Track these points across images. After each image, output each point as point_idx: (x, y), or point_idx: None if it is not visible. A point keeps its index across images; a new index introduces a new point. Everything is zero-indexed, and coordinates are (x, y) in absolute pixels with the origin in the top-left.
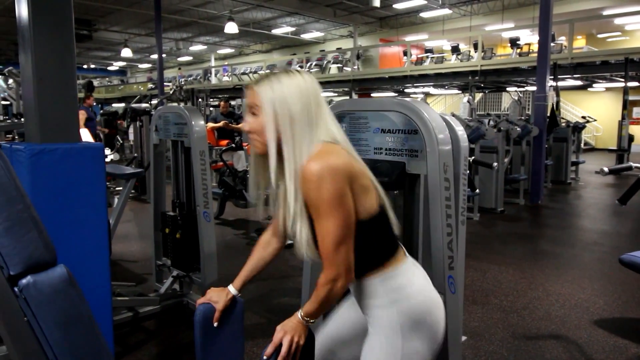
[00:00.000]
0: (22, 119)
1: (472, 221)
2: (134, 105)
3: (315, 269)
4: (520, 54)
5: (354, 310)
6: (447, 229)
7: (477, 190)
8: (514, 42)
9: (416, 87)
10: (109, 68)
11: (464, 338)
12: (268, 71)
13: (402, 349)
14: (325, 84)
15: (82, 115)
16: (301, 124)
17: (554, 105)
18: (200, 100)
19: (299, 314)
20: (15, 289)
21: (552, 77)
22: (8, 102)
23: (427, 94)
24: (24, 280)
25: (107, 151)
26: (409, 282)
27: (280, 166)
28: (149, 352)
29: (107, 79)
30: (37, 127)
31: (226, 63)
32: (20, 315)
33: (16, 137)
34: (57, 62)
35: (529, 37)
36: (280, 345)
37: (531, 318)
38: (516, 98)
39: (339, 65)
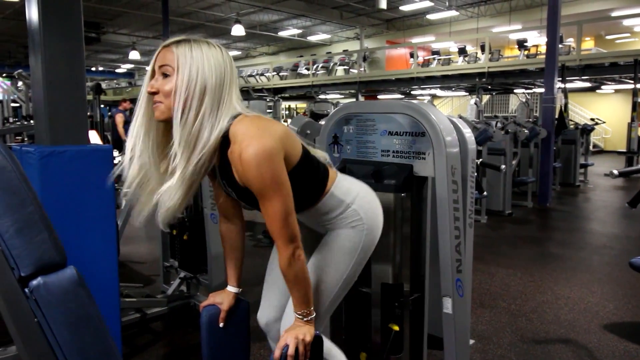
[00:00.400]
0: (32, 121)
1: (480, 224)
2: None
3: None
4: (527, 56)
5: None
6: (455, 232)
7: (485, 193)
8: (521, 44)
9: (423, 89)
10: (117, 70)
11: (472, 342)
12: (185, 36)
13: (364, 240)
14: (332, 86)
15: (120, 118)
16: (211, 97)
17: (562, 107)
18: None
19: (294, 315)
20: (26, 290)
21: (560, 78)
22: (18, 105)
23: (433, 96)
24: (34, 282)
25: (115, 153)
26: (351, 185)
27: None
28: (156, 353)
29: (115, 81)
30: (46, 129)
31: None
32: (31, 316)
33: (26, 139)
34: (67, 65)
35: (537, 39)
36: (287, 347)
37: (540, 322)
38: (524, 100)
39: (346, 67)
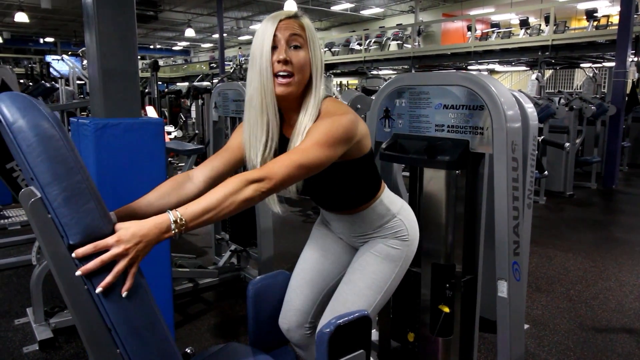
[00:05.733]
0: None
1: (538, 205)
2: (196, 83)
3: None
4: (597, 27)
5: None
6: (514, 213)
7: (546, 172)
8: (590, 14)
9: (480, 64)
10: (174, 48)
11: (526, 326)
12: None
13: (407, 251)
14: (384, 62)
15: None
16: (322, 68)
17: (635, 82)
18: None
19: (170, 214)
20: (75, 259)
21: (633, 51)
22: (82, 82)
23: (492, 71)
24: None
25: (171, 128)
26: (395, 198)
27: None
28: (207, 322)
29: (172, 58)
30: (101, 102)
31: None
32: (81, 284)
33: (90, 114)
34: (119, 39)
35: (608, 9)
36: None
37: (601, 309)
38: (591, 75)
39: (399, 42)
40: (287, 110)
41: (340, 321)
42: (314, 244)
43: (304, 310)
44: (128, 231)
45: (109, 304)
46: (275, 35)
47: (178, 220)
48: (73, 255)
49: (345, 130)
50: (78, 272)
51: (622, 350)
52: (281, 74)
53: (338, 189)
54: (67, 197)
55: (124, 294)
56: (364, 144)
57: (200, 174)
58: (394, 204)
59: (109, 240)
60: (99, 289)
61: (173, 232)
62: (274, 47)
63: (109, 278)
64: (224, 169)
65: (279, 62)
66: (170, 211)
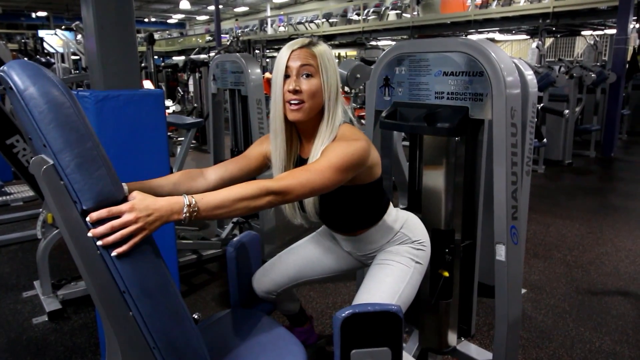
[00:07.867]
0: None
1: (537, 174)
2: (193, 57)
3: None
4: None
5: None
6: (512, 177)
7: (545, 141)
8: None
9: (480, 32)
10: (169, 21)
11: (523, 291)
12: (310, 37)
13: (418, 250)
14: (383, 32)
15: None
16: (338, 94)
17: (636, 49)
18: (257, 51)
19: (185, 198)
20: (88, 223)
21: (635, 17)
22: (77, 57)
23: (491, 40)
24: None
25: (170, 102)
26: (398, 215)
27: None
28: (211, 292)
29: (167, 32)
30: (100, 74)
31: (282, 13)
32: (94, 249)
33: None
34: (117, 10)
35: None
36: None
37: (597, 274)
38: (592, 42)
39: (398, 11)
40: (305, 134)
41: (357, 310)
42: (320, 242)
43: (279, 283)
44: (143, 202)
45: (122, 267)
46: (287, 66)
47: (191, 205)
48: (87, 219)
49: (359, 156)
50: (90, 233)
51: (617, 312)
52: (292, 101)
53: (344, 211)
54: (80, 163)
55: (113, 254)
56: (374, 171)
57: (214, 173)
58: (398, 221)
59: (123, 207)
60: (99, 242)
61: (184, 215)
62: (287, 76)
63: (110, 238)
64: (238, 174)
65: (289, 91)
66: (186, 195)
